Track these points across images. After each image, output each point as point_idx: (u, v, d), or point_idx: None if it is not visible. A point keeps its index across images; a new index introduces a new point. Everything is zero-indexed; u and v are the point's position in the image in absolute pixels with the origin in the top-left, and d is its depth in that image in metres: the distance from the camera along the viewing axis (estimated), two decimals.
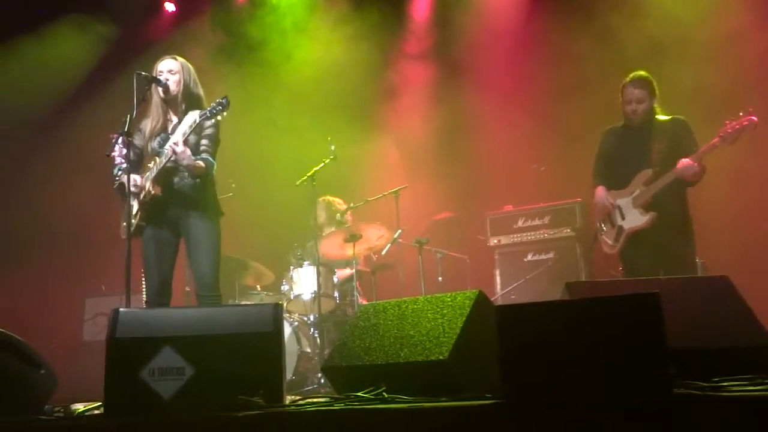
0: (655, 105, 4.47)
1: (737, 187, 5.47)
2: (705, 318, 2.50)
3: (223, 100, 3.79)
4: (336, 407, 2.38)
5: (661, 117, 4.49)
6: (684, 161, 4.24)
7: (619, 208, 4.53)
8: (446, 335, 2.62)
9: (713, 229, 5.04)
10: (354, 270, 5.65)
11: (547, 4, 6.58)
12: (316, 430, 2.21)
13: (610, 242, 4.58)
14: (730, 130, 4.11)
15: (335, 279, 5.64)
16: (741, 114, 4.12)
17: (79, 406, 3.08)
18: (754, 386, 2.05)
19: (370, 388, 2.59)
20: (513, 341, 2.12)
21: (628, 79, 4.50)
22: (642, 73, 4.49)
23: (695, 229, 4.44)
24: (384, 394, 2.52)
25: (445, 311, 2.73)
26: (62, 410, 3.04)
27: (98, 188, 4.16)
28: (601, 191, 4.63)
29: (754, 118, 4.09)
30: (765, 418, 1.75)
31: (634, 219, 4.45)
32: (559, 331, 2.09)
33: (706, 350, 2.37)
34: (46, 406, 3.11)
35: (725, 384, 2.09)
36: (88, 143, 4.78)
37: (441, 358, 2.55)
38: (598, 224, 4.70)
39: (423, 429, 2.09)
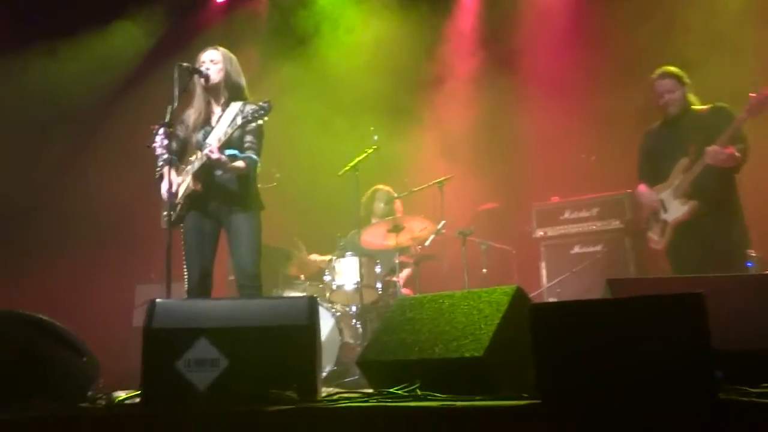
0: (690, 96, 4.44)
1: None
2: (755, 319, 2.40)
3: (265, 105, 3.76)
4: (368, 404, 2.38)
5: (698, 107, 4.44)
6: (711, 147, 4.17)
7: (662, 201, 4.49)
8: (482, 332, 2.58)
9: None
10: (398, 261, 5.62)
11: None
12: (348, 426, 2.19)
13: (656, 237, 4.54)
14: (754, 103, 4.04)
15: (378, 269, 5.61)
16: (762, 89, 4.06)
17: (121, 394, 3.12)
18: None
19: (404, 385, 2.57)
20: (548, 340, 2.09)
21: (654, 75, 4.52)
22: (667, 67, 4.50)
23: (751, 220, 4.28)
24: (417, 390, 2.51)
25: (481, 307, 2.68)
26: (104, 398, 3.07)
27: (149, 178, 4.24)
28: (643, 188, 4.64)
29: None
30: None
31: (676, 210, 4.40)
32: (597, 331, 2.05)
33: (755, 353, 2.27)
34: (89, 393, 3.18)
35: None
36: (136, 133, 4.85)
37: (476, 355, 2.51)
38: (645, 221, 4.67)
39: (455, 428, 2.05)
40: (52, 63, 7.07)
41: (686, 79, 4.46)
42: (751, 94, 4.06)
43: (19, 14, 7.02)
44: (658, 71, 4.51)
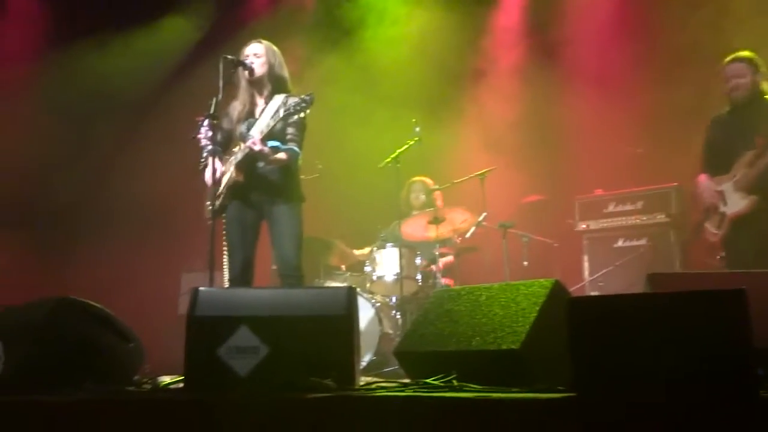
0: (765, 84, 4.25)
1: None
2: None
3: (308, 97, 3.80)
4: (404, 393, 2.41)
5: None
6: None
7: (722, 193, 4.36)
8: (520, 324, 2.58)
9: None
10: (437, 253, 5.63)
11: None
12: (384, 414, 2.22)
13: (713, 230, 4.42)
14: None
15: (418, 261, 5.62)
16: None
17: (166, 379, 3.19)
18: None
19: (440, 375, 2.59)
20: (584, 334, 2.07)
21: (725, 60, 4.34)
22: (743, 52, 4.30)
23: None
24: (454, 381, 2.54)
25: (519, 300, 2.69)
26: (149, 382, 3.16)
27: (194, 168, 4.34)
28: (703, 178, 4.50)
29: None
30: None
31: (736, 203, 4.28)
32: (634, 326, 2.03)
33: None
34: (135, 378, 3.27)
35: None
36: (182, 125, 4.95)
37: (513, 347, 2.52)
38: (703, 212, 4.53)
39: (490, 419, 2.06)
40: (101, 57, 7.24)
41: (762, 67, 4.27)
42: None
43: (72, 8, 7.22)
44: (730, 56, 4.34)
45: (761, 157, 4.17)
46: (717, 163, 4.45)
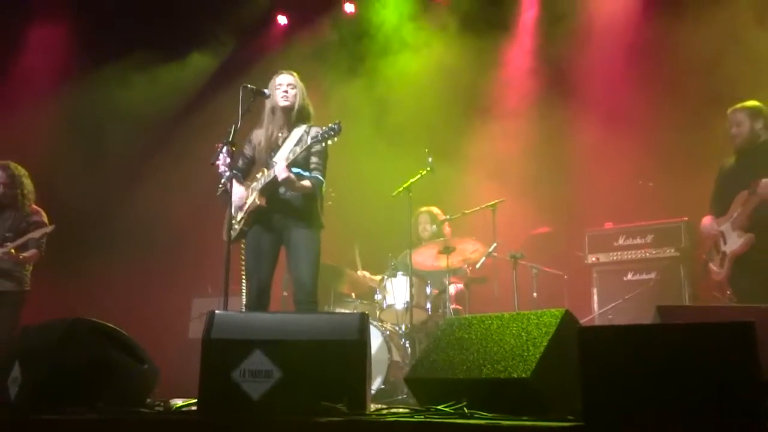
0: (762, 129, 4.45)
1: None
2: None
3: (335, 126, 3.86)
4: (415, 419, 2.40)
5: None
6: (764, 180, 4.20)
7: (722, 233, 4.51)
8: (530, 353, 2.59)
9: None
10: (448, 283, 5.65)
11: (658, 30, 6.32)
12: None
13: (716, 269, 4.55)
14: None
15: (428, 290, 5.65)
16: None
17: (178, 402, 3.20)
18: None
19: (451, 402, 2.59)
20: (595, 364, 2.07)
21: (730, 109, 4.57)
22: (747, 102, 4.53)
23: None
24: (464, 409, 2.53)
25: (530, 329, 2.69)
26: (162, 405, 3.17)
27: (210, 194, 4.39)
28: (706, 220, 4.66)
29: None
30: None
31: (733, 242, 4.43)
32: (644, 357, 2.03)
33: None
34: (148, 400, 3.29)
35: None
36: (200, 152, 5.03)
37: (524, 376, 2.52)
38: (707, 252, 4.67)
39: None
40: (124, 84, 7.40)
41: (764, 113, 4.46)
42: None
43: (97, 37, 7.39)
44: (733, 106, 4.56)
45: (753, 195, 4.30)
46: (720, 205, 4.60)
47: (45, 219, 5.27)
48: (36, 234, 5.10)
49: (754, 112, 4.47)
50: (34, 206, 5.29)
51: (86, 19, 7.46)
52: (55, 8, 7.50)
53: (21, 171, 5.28)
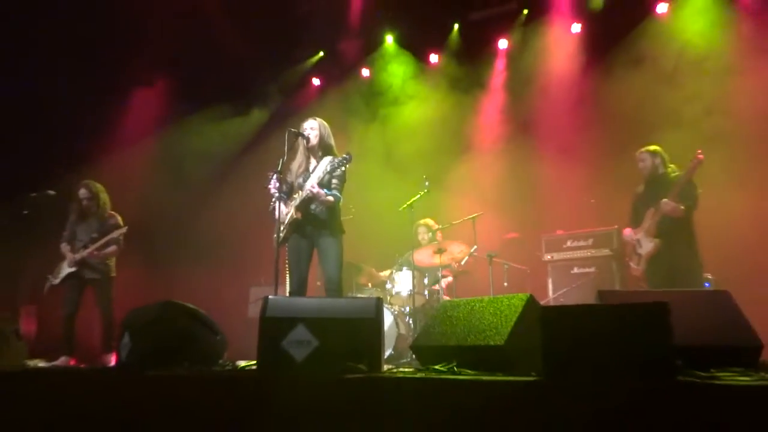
0: (660, 164, 4.55)
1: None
2: (706, 323, 2.36)
3: (347, 156, 3.95)
4: (418, 375, 2.42)
5: (672, 173, 4.54)
6: (663, 200, 4.33)
7: (638, 240, 4.56)
8: (503, 327, 2.59)
9: (730, 250, 4.80)
10: (440, 275, 5.66)
11: (594, 86, 6.33)
12: (403, 391, 2.24)
13: (634, 266, 4.60)
14: (691, 166, 4.28)
15: (425, 281, 5.65)
16: (696, 154, 4.26)
17: (242, 363, 3.24)
18: (742, 377, 1.96)
19: (444, 363, 2.60)
20: (553, 334, 2.09)
21: (636, 152, 4.69)
22: (649, 146, 4.65)
23: (712, 250, 4.36)
24: (455, 368, 2.54)
25: (503, 309, 2.70)
26: (230, 364, 3.22)
27: (262, 209, 4.43)
28: (626, 231, 4.73)
29: (701, 156, 4.25)
30: (750, 402, 1.65)
31: (646, 246, 4.49)
32: (590, 328, 2.06)
33: (705, 347, 2.25)
34: (220, 361, 3.32)
35: (720, 374, 1.99)
36: (255, 180, 5.07)
37: (499, 343, 2.53)
38: (629, 254, 4.72)
39: (481, 396, 2.08)
40: (201, 129, 7.50)
41: (660, 153, 4.58)
42: (698, 157, 4.24)
43: (185, 94, 7.51)
44: (640, 149, 4.66)
45: (657, 211, 4.41)
46: (635, 220, 4.68)
47: (120, 221, 5.26)
48: (114, 234, 5.13)
49: (653, 153, 4.59)
50: (111, 212, 5.31)
51: (174, 82, 7.57)
52: (151, 73, 7.62)
53: (98, 187, 5.27)
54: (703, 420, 1.69)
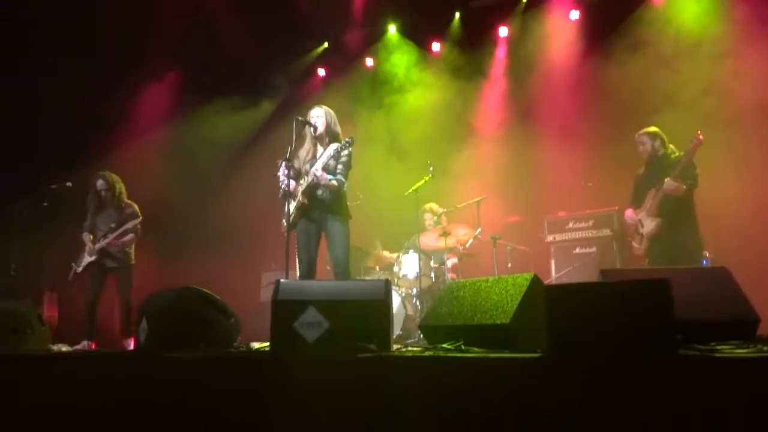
0: (660, 146, 4.49)
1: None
2: (706, 299, 2.34)
3: (349, 140, 3.95)
4: (426, 354, 2.42)
5: (671, 153, 4.48)
6: (666, 180, 4.27)
7: (640, 220, 4.53)
8: (509, 305, 2.58)
9: (727, 228, 4.77)
10: (446, 258, 5.65)
11: (594, 70, 6.23)
12: (412, 369, 2.23)
13: (636, 245, 4.57)
14: (691, 147, 4.21)
15: (432, 263, 5.64)
16: (695, 135, 4.19)
17: (256, 344, 3.26)
18: (740, 349, 1.97)
19: (451, 341, 2.60)
20: (558, 312, 2.06)
21: (636, 134, 4.63)
22: (648, 128, 4.57)
23: (710, 229, 4.35)
24: (462, 346, 2.54)
25: (508, 288, 2.68)
26: (244, 346, 3.23)
27: (271, 196, 4.42)
28: (629, 211, 4.68)
29: (701, 137, 4.18)
30: (748, 373, 1.65)
31: (648, 225, 4.46)
32: (594, 305, 2.02)
33: (705, 322, 2.23)
34: (234, 343, 3.33)
35: (719, 347, 1.99)
36: (264, 168, 5.06)
37: (504, 322, 2.51)
38: (631, 234, 4.68)
39: (488, 372, 2.07)
40: (213, 118, 7.48)
41: (659, 135, 4.51)
42: (698, 138, 4.17)
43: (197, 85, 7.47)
44: (639, 131, 4.59)
45: (659, 191, 4.36)
46: (637, 200, 4.63)
47: (137, 210, 5.29)
48: (130, 225, 5.16)
49: (652, 135, 4.52)
50: (128, 201, 5.33)
51: (184, 75, 7.56)
52: (162, 67, 7.60)
53: (115, 178, 5.30)
54: (704, 390, 1.68)
